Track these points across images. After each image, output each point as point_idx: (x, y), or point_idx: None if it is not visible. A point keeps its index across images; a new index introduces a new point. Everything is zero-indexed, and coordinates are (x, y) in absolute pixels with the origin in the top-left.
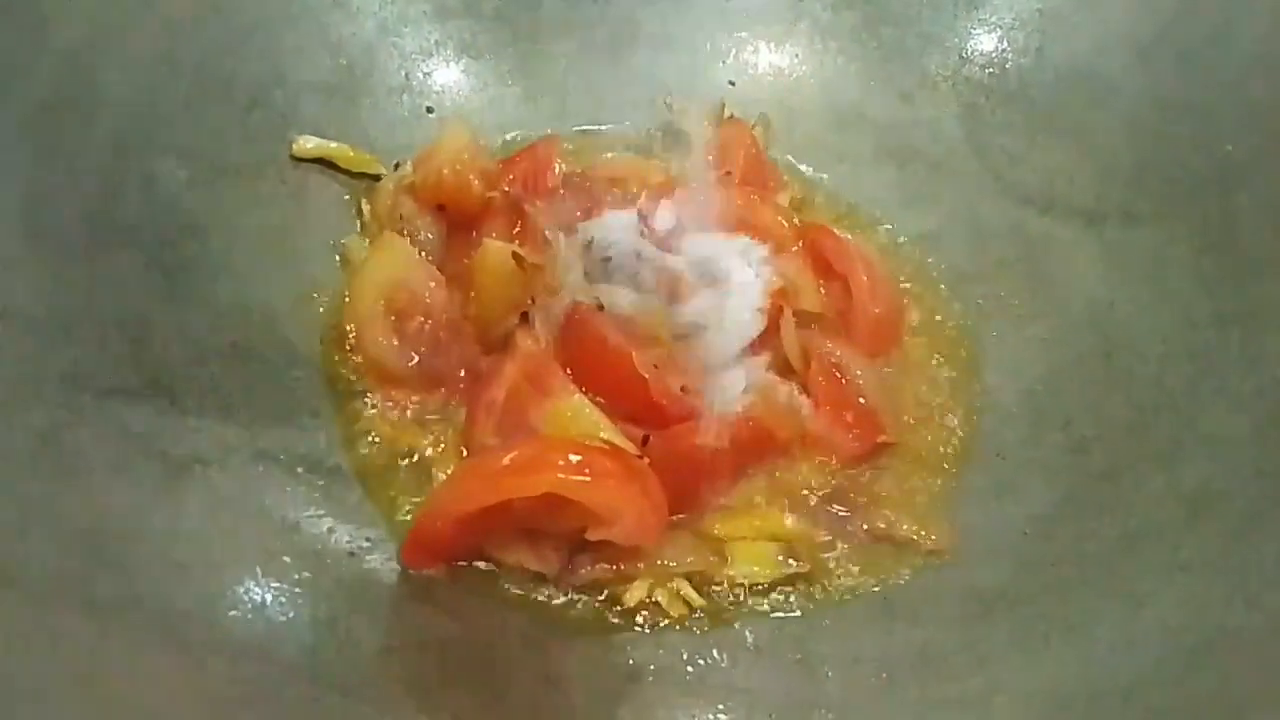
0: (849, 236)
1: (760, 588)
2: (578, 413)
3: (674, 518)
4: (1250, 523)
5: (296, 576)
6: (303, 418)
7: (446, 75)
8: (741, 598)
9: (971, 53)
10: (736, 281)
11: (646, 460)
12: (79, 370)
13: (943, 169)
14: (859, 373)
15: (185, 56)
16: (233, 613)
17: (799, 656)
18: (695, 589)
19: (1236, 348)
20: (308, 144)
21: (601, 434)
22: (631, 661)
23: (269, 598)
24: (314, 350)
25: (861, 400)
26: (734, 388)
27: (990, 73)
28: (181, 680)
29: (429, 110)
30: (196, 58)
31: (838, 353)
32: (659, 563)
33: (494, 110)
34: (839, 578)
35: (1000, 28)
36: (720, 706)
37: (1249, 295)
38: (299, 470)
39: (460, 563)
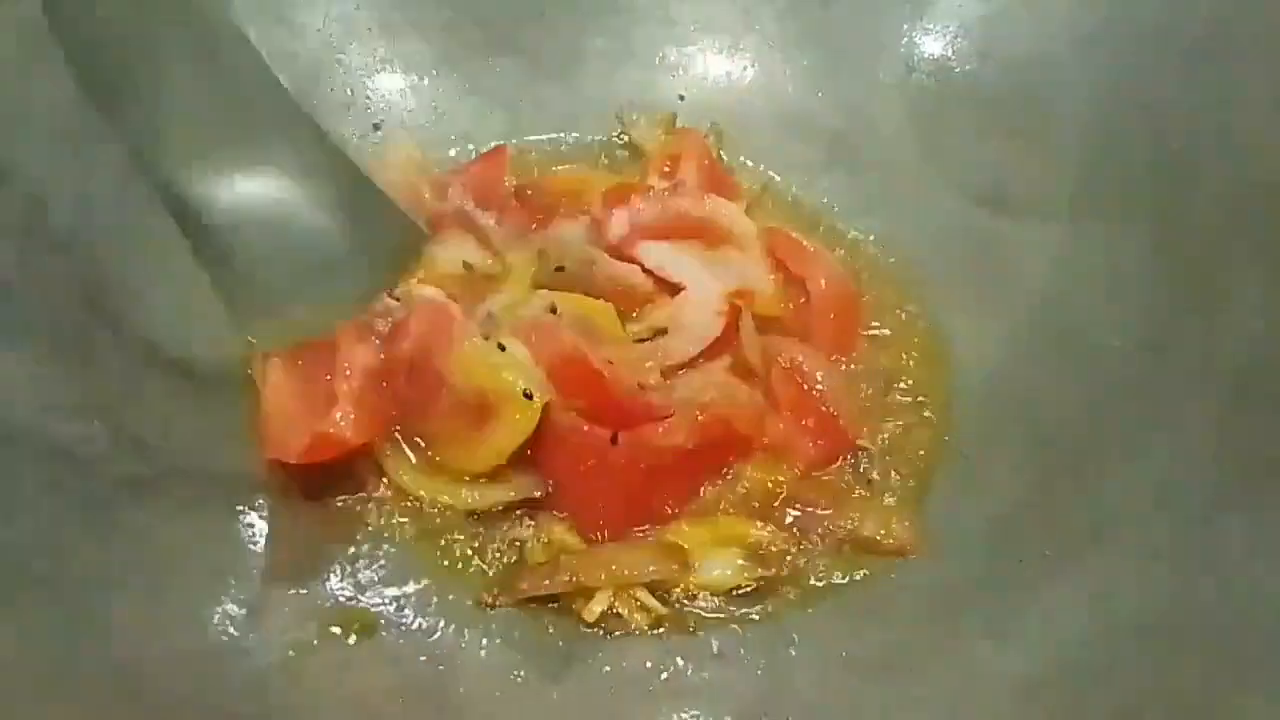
0: (805, 239)
1: (726, 595)
2: (482, 356)
3: (639, 528)
4: (1215, 509)
5: (242, 594)
6: (246, 437)
7: (394, 92)
8: (705, 605)
9: (918, 59)
10: (692, 286)
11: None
12: (8, 388)
13: (895, 173)
14: (820, 376)
15: None
16: (172, 633)
17: (765, 660)
18: (657, 597)
19: (1194, 337)
20: None
21: (505, 374)
22: (593, 671)
23: (212, 617)
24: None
25: (824, 407)
26: (695, 387)
27: (938, 78)
28: (116, 699)
29: (376, 127)
30: None
31: (799, 356)
32: (619, 572)
33: (444, 127)
34: (806, 580)
35: (945, 34)
36: (684, 714)
37: (1203, 285)
38: (243, 489)
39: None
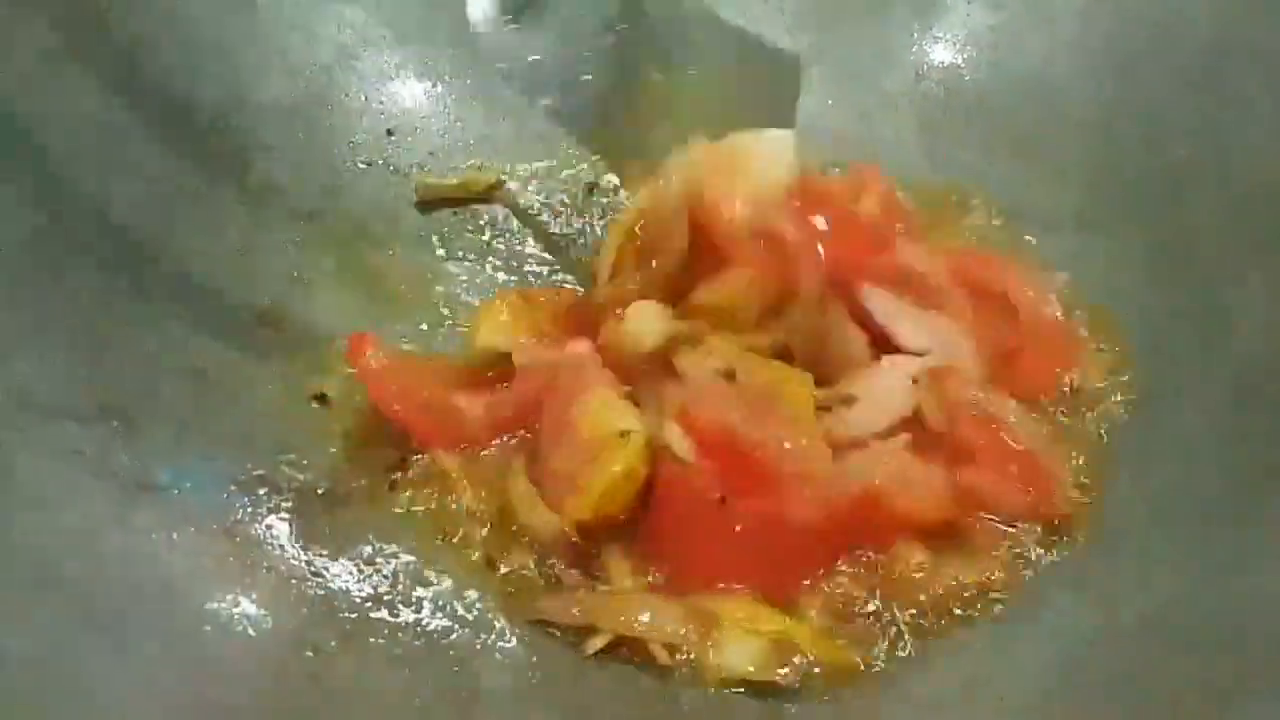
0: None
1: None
2: (606, 406)
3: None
4: (1218, 517)
5: (259, 595)
6: (264, 439)
7: (407, 98)
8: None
9: (927, 70)
10: (906, 354)
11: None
12: (26, 390)
13: (903, 181)
14: (1013, 420)
15: (140, 78)
16: (192, 632)
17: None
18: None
19: (1195, 347)
20: (429, 179)
21: (622, 426)
22: (610, 671)
23: (232, 616)
24: (274, 373)
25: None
26: (866, 470)
27: (946, 87)
28: (137, 699)
29: (389, 133)
30: (152, 80)
31: (986, 398)
32: (631, 623)
33: (457, 132)
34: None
35: (954, 45)
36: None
37: (1204, 296)
38: (260, 491)
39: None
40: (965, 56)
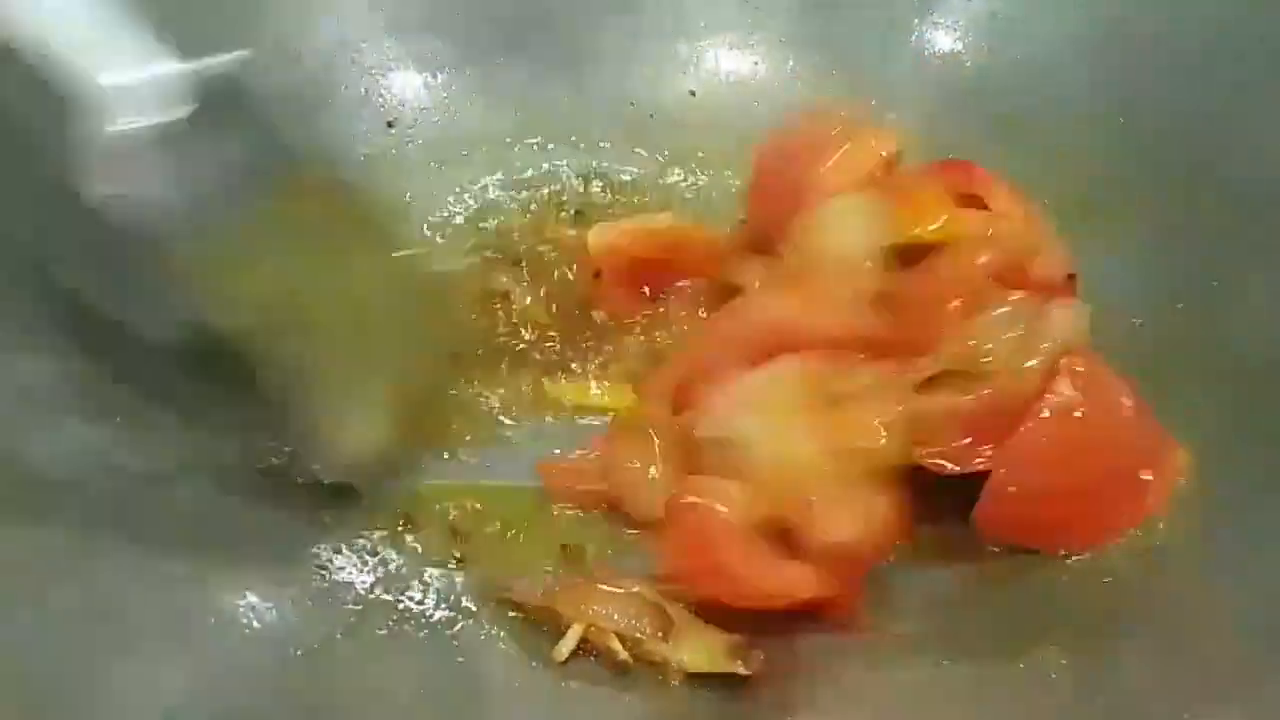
0: None
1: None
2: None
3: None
4: (1225, 506)
5: (262, 588)
6: (269, 432)
7: (407, 90)
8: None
9: (928, 57)
10: None
11: None
12: (29, 388)
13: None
14: None
15: None
16: (196, 625)
17: None
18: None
19: (1203, 333)
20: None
21: None
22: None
23: (235, 609)
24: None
25: None
26: None
27: (946, 76)
28: (139, 692)
29: (389, 124)
30: None
31: None
32: (589, 611)
33: (456, 125)
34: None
35: (955, 32)
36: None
37: (1210, 282)
38: (265, 484)
39: None
40: (965, 44)
